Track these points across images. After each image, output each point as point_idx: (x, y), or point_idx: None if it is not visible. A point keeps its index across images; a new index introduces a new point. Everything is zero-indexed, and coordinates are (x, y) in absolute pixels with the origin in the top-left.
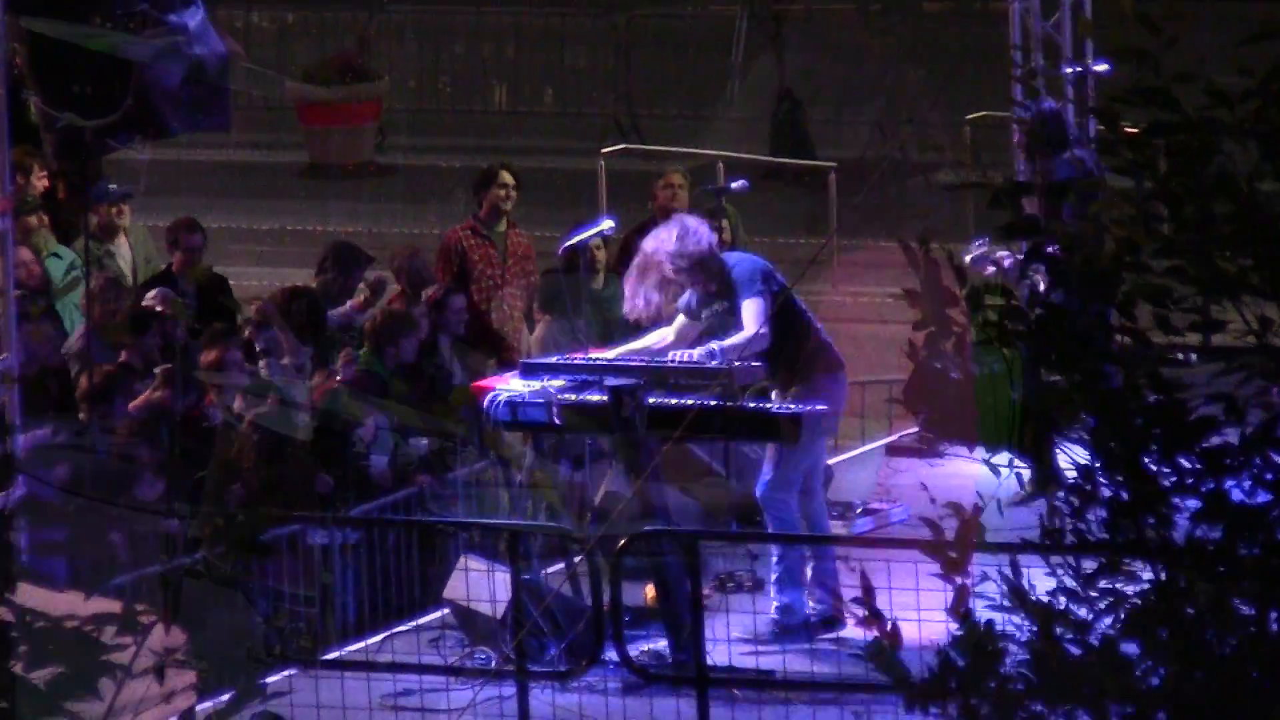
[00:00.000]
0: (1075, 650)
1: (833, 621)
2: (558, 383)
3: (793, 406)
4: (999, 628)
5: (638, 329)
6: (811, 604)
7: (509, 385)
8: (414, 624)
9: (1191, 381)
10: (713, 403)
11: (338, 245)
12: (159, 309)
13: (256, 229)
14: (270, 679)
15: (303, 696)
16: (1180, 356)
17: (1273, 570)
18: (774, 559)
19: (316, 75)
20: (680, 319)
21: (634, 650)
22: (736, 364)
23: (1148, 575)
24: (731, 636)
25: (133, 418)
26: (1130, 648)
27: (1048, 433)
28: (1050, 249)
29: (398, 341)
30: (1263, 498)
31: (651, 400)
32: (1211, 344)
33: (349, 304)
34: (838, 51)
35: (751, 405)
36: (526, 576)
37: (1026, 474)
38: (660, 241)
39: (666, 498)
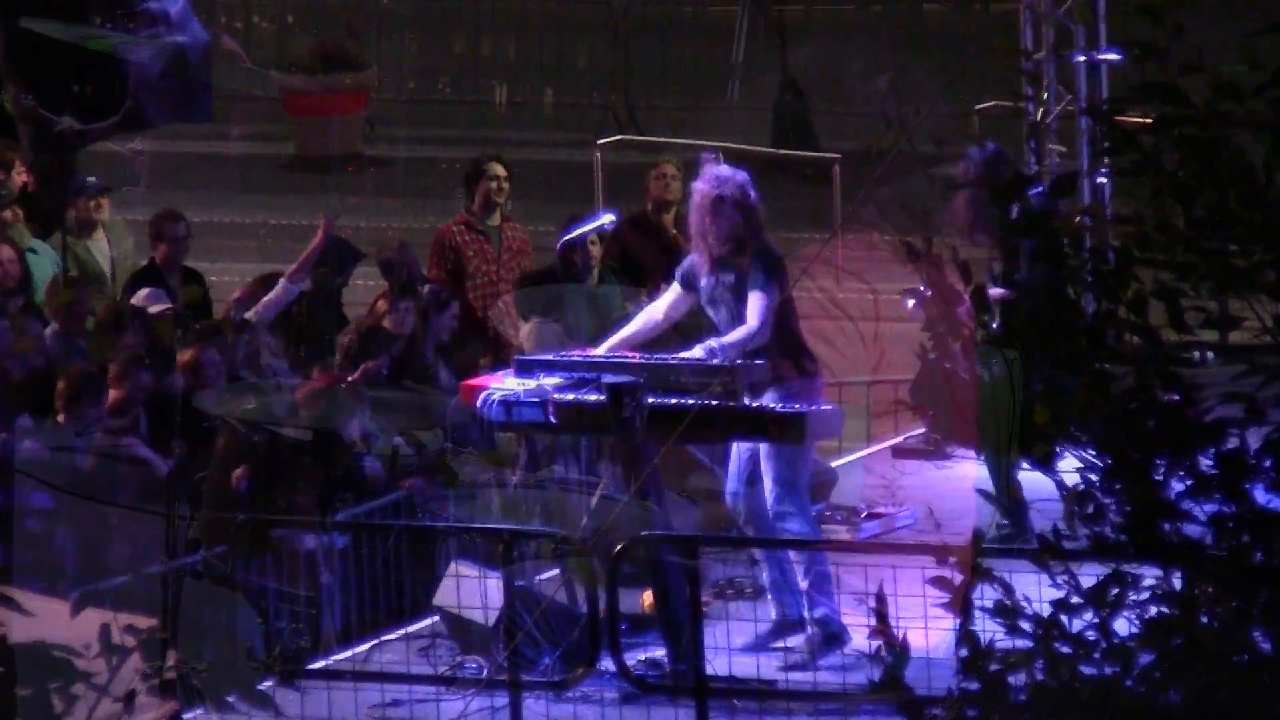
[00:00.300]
0: (1085, 669)
1: (835, 639)
2: (554, 380)
3: (797, 406)
4: (1007, 641)
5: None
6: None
7: (503, 384)
8: (403, 632)
9: (1206, 382)
10: (713, 402)
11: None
12: (151, 310)
13: (239, 222)
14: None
15: (287, 708)
16: (1195, 355)
17: None
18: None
19: (300, 64)
20: (673, 289)
21: (631, 659)
22: (739, 362)
23: (1148, 583)
24: (732, 645)
25: (109, 421)
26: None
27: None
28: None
29: (375, 357)
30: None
31: (650, 400)
32: (1228, 342)
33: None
34: (842, 41)
35: (753, 405)
36: (519, 582)
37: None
38: (732, 172)
39: (665, 500)
